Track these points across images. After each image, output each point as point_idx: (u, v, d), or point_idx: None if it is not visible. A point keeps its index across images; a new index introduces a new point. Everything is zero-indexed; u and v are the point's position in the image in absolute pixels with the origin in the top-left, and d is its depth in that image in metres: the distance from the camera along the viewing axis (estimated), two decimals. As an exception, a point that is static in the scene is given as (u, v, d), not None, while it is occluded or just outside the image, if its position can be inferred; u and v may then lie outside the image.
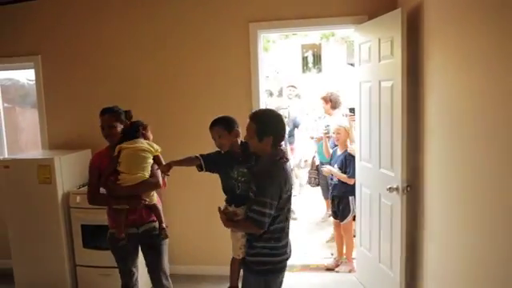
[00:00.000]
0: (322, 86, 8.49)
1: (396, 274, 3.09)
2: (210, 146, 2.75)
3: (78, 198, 3.62)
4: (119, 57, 4.03)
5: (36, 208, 3.69)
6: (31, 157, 3.88)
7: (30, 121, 4.58)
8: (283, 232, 2.35)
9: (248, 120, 2.39)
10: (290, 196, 2.33)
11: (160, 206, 3.02)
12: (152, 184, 2.89)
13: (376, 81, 3.29)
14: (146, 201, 2.85)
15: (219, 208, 2.42)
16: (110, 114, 2.89)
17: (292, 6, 3.70)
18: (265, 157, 2.32)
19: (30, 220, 3.70)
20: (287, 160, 2.36)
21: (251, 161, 2.44)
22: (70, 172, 3.75)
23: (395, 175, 3.03)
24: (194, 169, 4.13)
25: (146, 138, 2.93)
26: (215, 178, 3.92)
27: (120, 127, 2.89)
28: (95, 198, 2.91)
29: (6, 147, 4.50)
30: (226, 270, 3.93)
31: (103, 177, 2.81)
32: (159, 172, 2.89)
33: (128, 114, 2.99)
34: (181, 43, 3.92)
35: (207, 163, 2.53)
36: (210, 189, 4.03)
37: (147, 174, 2.84)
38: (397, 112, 2.98)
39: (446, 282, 2.61)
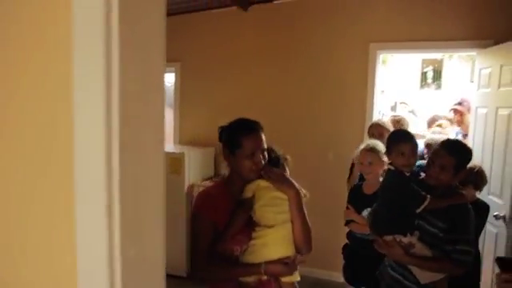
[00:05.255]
0: (440, 102, 8.17)
1: (495, 304, 3.03)
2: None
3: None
4: (248, 68, 4.48)
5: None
6: (165, 150, 4.48)
7: (166, 118, 5.24)
8: None
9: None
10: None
11: None
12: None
13: (493, 107, 3.27)
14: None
15: (383, 240, 2.07)
16: (261, 132, 1.71)
17: (413, 27, 3.79)
18: (444, 189, 2.02)
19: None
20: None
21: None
22: (195, 166, 4.29)
23: (504, 203, 3.00)
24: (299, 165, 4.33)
25: None
26: (314, 176, 4.05)
27: None
28: (214, 268, 1.63)
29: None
30: (320, 273, 4.13)
31: (226, 236, 1.61)
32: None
33: None
34: (305, 58, 4.23)
35: None
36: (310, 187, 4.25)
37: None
38: (512, 140, 2.95)
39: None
